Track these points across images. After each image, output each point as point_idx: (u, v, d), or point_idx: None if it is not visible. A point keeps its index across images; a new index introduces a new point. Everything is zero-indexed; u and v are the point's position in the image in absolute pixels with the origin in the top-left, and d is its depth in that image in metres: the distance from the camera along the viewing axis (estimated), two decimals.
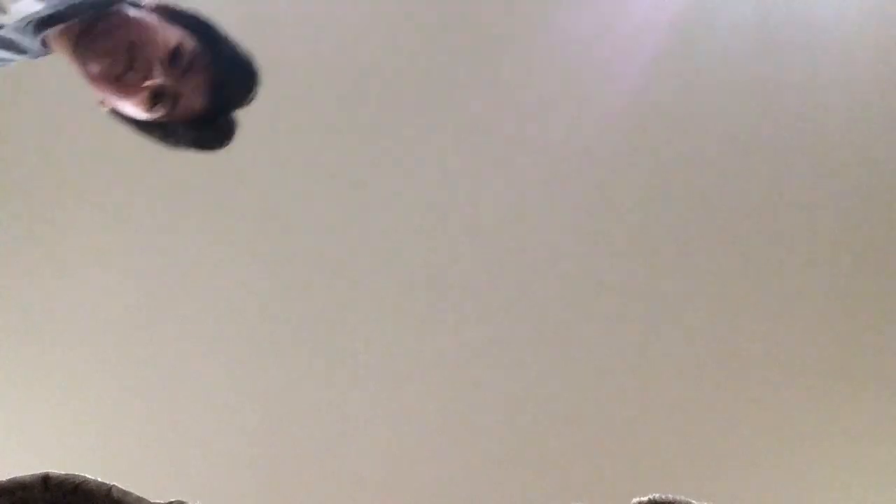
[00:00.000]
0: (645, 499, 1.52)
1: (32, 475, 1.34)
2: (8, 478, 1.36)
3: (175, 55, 1.46)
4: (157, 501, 1.41)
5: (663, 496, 1.53)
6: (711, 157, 3.73)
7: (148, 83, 1.43)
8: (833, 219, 3.81)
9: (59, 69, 3.49)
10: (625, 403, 3.94)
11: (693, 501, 1.51)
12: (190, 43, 1.49)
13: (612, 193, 3.76)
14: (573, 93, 3.56)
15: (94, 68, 1.45)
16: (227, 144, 1.64)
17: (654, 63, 3.52)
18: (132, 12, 1.48)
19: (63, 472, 1.35)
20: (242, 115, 3.57)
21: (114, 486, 1.35)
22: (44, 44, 1.50)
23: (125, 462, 3.57)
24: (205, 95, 1.53)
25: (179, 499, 1.43)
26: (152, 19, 1.48)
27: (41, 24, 1.45)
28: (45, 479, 1.32)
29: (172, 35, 1.48)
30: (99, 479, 1.35)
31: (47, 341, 3.79)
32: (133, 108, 1.48)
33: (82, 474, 1.34)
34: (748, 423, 3.94)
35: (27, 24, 1.44)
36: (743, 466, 3.91)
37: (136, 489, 1.39)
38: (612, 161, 3.70)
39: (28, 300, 3.76)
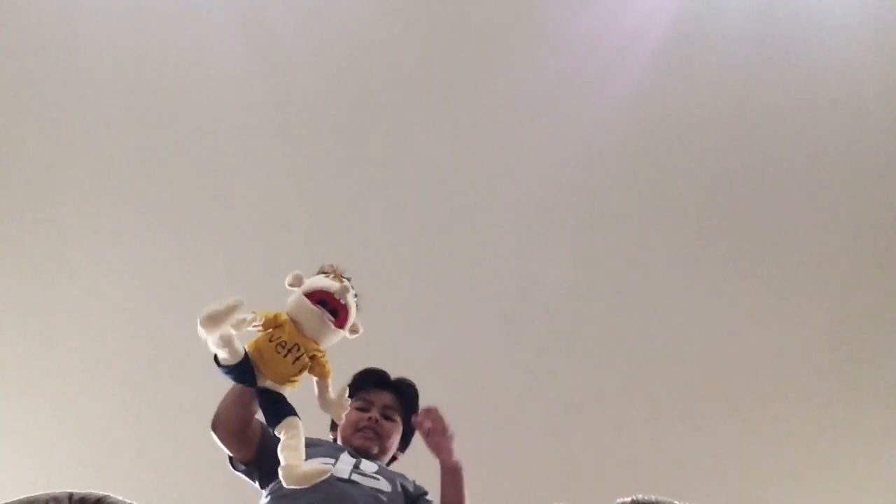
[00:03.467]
0: (628, 499, 1.57)
1: (62, 491, 1.40)
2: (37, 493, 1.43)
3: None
4: None
5: (646, 496, 1.57)
6: (711, 157, 3.73)
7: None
8: (834, 218, 3.81)
9: (60, 70, 3.51)
10: (611, 406, 3.92)
11: (676, 502, 1.56)
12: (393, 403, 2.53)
13: (611, 193, 3.77)
14: (573, 93, 3.56)
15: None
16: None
17: (654, 63, 3.51)
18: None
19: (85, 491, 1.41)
20: (242, 116, 3.57)
21: None
22: None
23: (148, 479, 3.62)
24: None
25: None
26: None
27: None
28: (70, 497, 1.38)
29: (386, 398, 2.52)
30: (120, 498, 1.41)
31: (67, 368, 3.77)
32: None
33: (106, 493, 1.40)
34: (733, 425, 3.92)
35: None
36: (727, 468, 3.90)
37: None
38: (611, 161, 3.71)
39: (36, 309, 3.73)
